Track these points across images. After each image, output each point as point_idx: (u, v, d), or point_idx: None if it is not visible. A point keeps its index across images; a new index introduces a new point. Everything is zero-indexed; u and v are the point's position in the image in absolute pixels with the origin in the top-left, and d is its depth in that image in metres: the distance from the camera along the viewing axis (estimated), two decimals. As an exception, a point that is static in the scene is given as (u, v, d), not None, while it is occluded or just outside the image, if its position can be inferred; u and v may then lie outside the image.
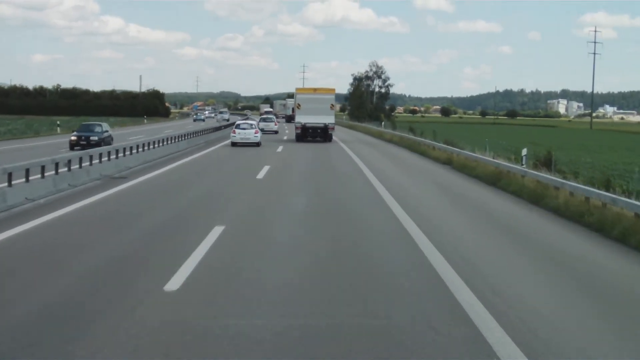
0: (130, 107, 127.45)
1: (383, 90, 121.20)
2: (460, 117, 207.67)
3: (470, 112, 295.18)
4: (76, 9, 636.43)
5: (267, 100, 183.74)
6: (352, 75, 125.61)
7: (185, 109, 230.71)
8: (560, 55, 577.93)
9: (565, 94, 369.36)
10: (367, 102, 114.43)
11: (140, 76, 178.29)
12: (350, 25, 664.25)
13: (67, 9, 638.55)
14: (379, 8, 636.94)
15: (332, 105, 45.84)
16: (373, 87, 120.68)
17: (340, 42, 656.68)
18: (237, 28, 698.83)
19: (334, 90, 47.85)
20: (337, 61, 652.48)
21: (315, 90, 46.86)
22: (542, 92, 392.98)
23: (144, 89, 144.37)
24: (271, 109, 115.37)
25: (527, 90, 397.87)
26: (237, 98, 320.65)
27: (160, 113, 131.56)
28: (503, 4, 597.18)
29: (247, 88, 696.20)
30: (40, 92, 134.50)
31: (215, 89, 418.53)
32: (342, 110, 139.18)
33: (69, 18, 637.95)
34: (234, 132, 41.59)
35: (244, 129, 41.51)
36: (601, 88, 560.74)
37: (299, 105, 45.73)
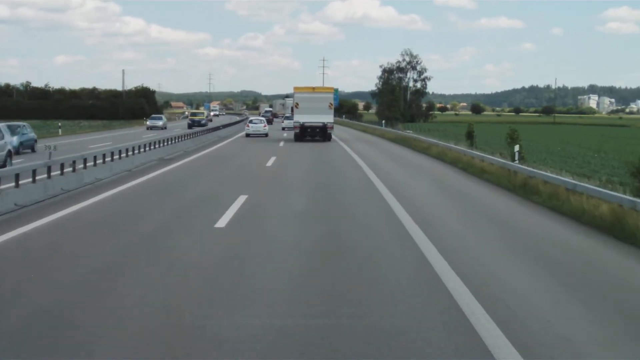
0: (111, 107, 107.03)
1: (419, 84, 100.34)
2: (499, 115, 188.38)
3: (499, 108, 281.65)
4: (98, 10, 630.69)
5: (287, 97, 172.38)
6: (381, 67, 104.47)
7: (201, 109, 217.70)
8: (584, 51, 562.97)
9: (593, 90, 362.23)
10: (400, 100, 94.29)
11: (123, 70, 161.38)
12: (371, 23, 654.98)
13: (89, 10, 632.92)
14: (400, 6, 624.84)
15: (331, 104, 44.80)
16: (407, 81, 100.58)
17: (361, 41, 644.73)
18: (258, 27, 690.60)
19: (332, 89, 49.18)
20: (358, 59, 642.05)
21: (313, 89, 45.62)
22: (569, 87, 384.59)
23: (161, 89, 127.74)
24: (270, 109, 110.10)
25: (554, 86, 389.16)
26: (256, 97, 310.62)
27: (147, 114, 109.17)
28: (524, 1, 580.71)
29: (268, 87, 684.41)
30: (6, 91, 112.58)
31: (236, 88, 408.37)
32: (366, 108, 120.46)
33: (90, 19, 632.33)
34: (248, 126, 52.84)
35: (255, 123, 53.10)
36: (629, 83, 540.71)
37: (297, 104, 44.46)
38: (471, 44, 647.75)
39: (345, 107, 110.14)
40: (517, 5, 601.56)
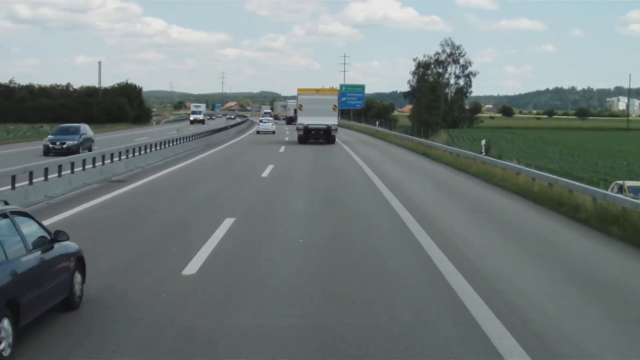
0: (84, 108, 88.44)
1: (461, 81, 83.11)
2: (538, 119, 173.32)
3: (526, 111, 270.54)
4: (118, 11, 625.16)
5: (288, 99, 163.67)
6: (415, 60, 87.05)
7: (216, 110, 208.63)
8: (606, 53, 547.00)
9: (620, 92, 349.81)
10: (441, 100, 76.39)
11: (99, 62, 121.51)
12: (391, 25, 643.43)
13: (110, 10, 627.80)
14: (421, 7, 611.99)
15: (335, 106, 44.10)
16: (447, 77, 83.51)
17: (382, 42, 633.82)
18: (278, 28, 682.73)
19: (337, 90, 50.56)
20: (378, 61, 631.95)
21: (317, 91, 45.50)
22: (594, 89, 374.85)
23: (180, 90, 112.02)
24: (269, 111, 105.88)
25: (579, 88, 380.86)
26: (275, 97, 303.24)
27: (127, 117, 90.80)
28: (546, 2, 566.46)
29: (287, 88, 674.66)
30: None
31: (256, 89, 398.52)
32: (381, 110, 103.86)
33: (111, 20, 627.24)
34: (258, 125, 63.91)
35: (264, 123, 63.44)
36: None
37: (301, 106, 44.00)
38: (492, 46, 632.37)
39: (374, 108, 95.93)
40: (537, 7, 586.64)
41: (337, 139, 44.61)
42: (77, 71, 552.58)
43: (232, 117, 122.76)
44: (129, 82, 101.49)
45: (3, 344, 6.17)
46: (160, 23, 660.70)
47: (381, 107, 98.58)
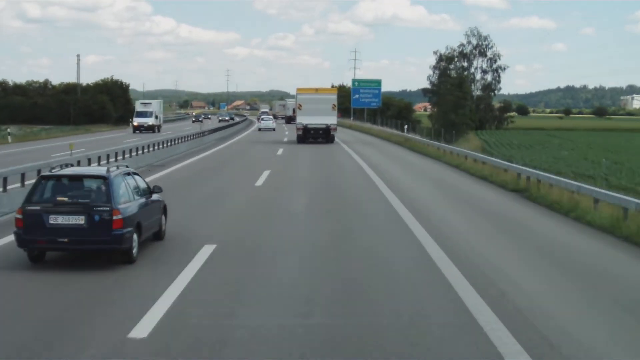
0: (60, 107, 78.83)
1: (489, 77, 73.34)
2: (561, 118, 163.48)
3: (539, 109, 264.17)
4: (128, 10, 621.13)
5: (288, 99, 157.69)
6: (435, 53, 76.66)
7: (228, 108, 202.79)
8: (617, 51, 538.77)
9: (632, 90, 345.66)
10: (469, 97, 67.29)
11: (78, 55, 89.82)
12: (401, 23, 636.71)
13: (119, 10, 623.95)
14: (431, 5, 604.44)
15: (334, 105, 43.49)
16: (472, 71, 73.57)
17: (391, 40, 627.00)
18: (288, 27, 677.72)
19: (336, 90, 50.59)
20: (387, 59, 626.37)
21: (316, 90, 44.82)
22: (606, 88, 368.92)
23: (187, 89, 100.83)
24: (266, 110, 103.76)
25: (590, 87, 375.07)
26: (283, 96, 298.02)
27: (109, 117, 79.92)
28: (557, 1, 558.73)
29: (296, 87, 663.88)
30: None
31: (265, 88, 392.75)
32: (402, 110, 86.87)
33: (121, 19, 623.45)
34: (260, 122, 68.84)
35: (265, 120, 67.64)
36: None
37: (300, 105, 43.54)
38: (502, 44, 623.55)
39: (394, 107, 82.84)
40: (548, 6, 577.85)
41: (355, 155, 34.86)
42: (87, 71, 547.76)
43: (227, 118, 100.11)
44: (115, 78, 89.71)
45: (135, 249, 10.58)
46: (170, 22, 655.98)
47: (402, 105, 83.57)
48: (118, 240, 10.02)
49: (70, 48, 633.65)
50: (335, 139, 44.68)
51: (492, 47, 74.25)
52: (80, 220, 9.95)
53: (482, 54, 73.73)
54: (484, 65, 74.35)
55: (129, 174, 11.46)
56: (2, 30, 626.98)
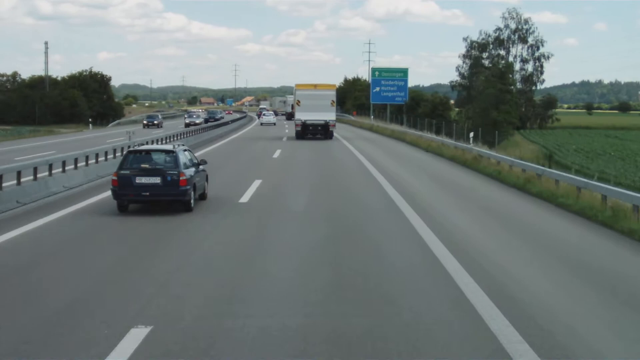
0: (23, 104, 67.70)
1: (529, 67, 62.61)
2: (590, 114, 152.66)
3: (558, 105, 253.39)
4: (139, 7, 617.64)
5: (288, 95, 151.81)
6: (465, 39, 66.16)
7: (237, 104, 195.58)
8: (630, 47, 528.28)
9: None
10: (514, 91, 55.93)
11: (46, 43, 73.67)
12: (412, 19, 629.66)
13: (131, 6, 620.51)
14: (442, 0, 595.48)
15: (333, 101, 43.77)
16: (511, 60, 62.22)
17: (403, 36, 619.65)
18: (299, 23, 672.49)
19: (334, 86, 47.67)
20: (399, 55, 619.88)
21: (315, 86, 44.63)
22: (622, 82, 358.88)
23: (196, 85, 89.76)
24: (265, 106, 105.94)
25: (606, 82, 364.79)
26: (292, 92, 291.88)
27: (83, 116, 66.89)
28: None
29: (308, 82, 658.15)
30: None
31: (276, 84, 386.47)
32: (437, 106, 66.28)
33: (132, 16, 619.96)
34: (261, 117, 73.94)
35: (266, 115, 72.73)
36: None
37: (299, 101, 43.66)
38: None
39: (426, 103, 66.28)
40: (560, 0, 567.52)
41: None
42: (97, 67, 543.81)
43: (201, 119, 70.12)
44: (95, 70, 78.93)
45: (192, 201, 15.23)
46: (181, 19, 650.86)
47: (436, 101, 64.87)
48: (183, 193, 14.93)
49: (84, 43, 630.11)
50: (359, 154, 33.32)
51: (533, 31, 64.11)
52: (157, 180, 14.89)
53: (523, 39, 63.47)
54: (524, 54, 64.46)
55: (186, 150, 16.65)
56: (14, 27, 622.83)
